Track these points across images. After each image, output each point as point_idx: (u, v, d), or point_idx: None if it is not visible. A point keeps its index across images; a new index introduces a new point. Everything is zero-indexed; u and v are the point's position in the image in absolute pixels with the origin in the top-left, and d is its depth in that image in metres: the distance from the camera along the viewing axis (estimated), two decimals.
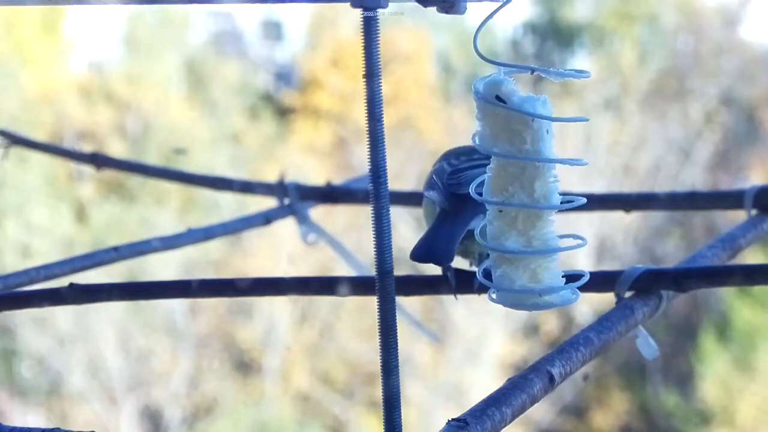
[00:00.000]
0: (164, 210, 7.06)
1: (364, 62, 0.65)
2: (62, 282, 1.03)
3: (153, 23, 8.17)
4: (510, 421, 0.70)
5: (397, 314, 0.68)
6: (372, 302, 0.69)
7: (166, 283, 1.12)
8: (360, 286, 1.01)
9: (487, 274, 0.74)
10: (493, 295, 0.74)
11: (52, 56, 7.86)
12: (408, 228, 6.20)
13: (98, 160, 1.52)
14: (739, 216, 1.10)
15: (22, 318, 6.31)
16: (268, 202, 1.40)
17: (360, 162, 6.43)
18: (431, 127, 7.68)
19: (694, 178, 7.50)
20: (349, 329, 6.85)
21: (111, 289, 1.04)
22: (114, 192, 7.30)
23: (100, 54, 8.57)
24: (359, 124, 6.49)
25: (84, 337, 6.64)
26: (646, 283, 0.90)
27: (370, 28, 0.65)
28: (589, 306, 5.99)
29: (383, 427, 0.67)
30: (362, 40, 0.65)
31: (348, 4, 0.65)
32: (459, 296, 0.97)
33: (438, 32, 8.43)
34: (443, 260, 0.88)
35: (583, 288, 0.74)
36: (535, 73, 0.72)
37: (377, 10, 0.65)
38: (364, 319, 6.57)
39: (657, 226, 7.37)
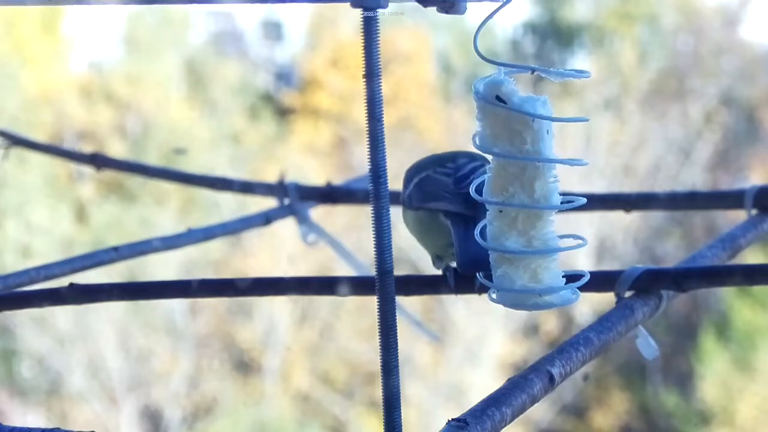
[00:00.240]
0: (164, 210, 7.06)
1: (364, 62, 0.65)
2: (62, 282, 1.03)
3: (153, 23, 8.17)
4: (510, 421, 0.70)
5: (397, 314, 0.68)
6: (372, 302, 0.69)
7: (166, 283, 1.12)
8: (360, 286, 1.01)
9: (488, 274, 0.74)
10: (494, 295, 0.74)
11: (52, 56, 7.86)
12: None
13: (98, 161, 1.52)
14: (739, 216, 1.10)
15: (22, 318, 6.31)
16: (268, 203, 1.40)
17: (360, 162, 6.42)
18: (431, 127, 7.68)
19: (694, 178, 7.50)
20: (349, 329, 6.85)
21: (111, 289, 1.04)
22: (114, 192, 7.30)
23: (100, 54, 8.58)
24: (359, 124, 6.49)
25: (84, 337, 6.64)
26: (646, 283, 0.90)
27: (370, 28, 0.65)
28: (589, 306, 5.99)
29: (383, 427, 0.67)
30: (362, 40, 0.65)
31: (348, 4, 0.65)
32: (459, 296, 0.97)
33: (438, 32, 8.43)
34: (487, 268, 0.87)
35: (583, 288, 0.74)
36: (535, 73, 0.72)
37: (377, 10, 0.65)
38: (364, 319, 6.57)
39: (657, 226, 7.37)
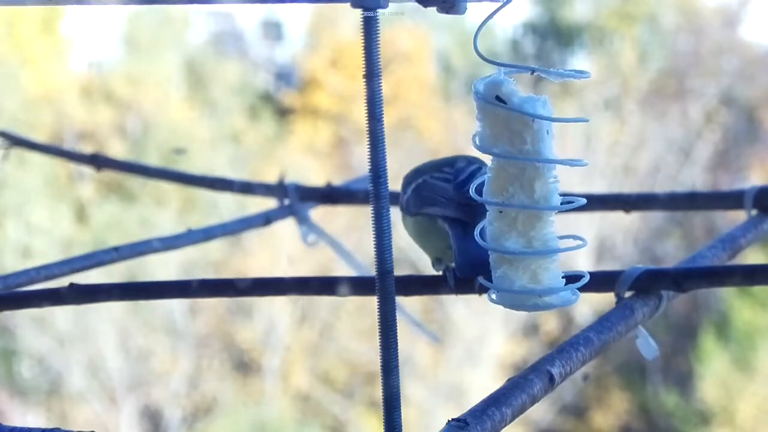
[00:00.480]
0: (164, 210, 7.06)
1: (364, 62, 0.65)
2: (62, 282, 1.03)
3: (153, 23, 8.17)
4: (510, 421, 0.70)
5: (397, 314, 0.68)
6: (372, 302, 0.69)
7: (166, 283, 1.12)
8: (360, 286, 1.01)
9: (487, 275, 0.74)
10: (493, 296, 0.74)
11: (52, 56, 7.86)
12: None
13: (98, 161, 1.52)
14: (739, 216, 1.10)
15: (22, 318, 6.32)
16: (268, 203, 1.40)
17: (360, 162, 6.43)
18: (431, 127, 7.68)
19: (694, 178, 7.50)
20: (349, 329, 6.85)
21: (111, 290, 1.04)
22: (114, 192, 7.30)
23: (100, 54, 8.58)
24: (359, 124, 6.50)
25: (84, 337, 6.64)
26: (646, 283, 0.90)
27: (370, 28, 0.65)
28: (589, 306, 5.99)
29: (383, 427, 0.67)
30: (362, 40, 0.65)
31: (348, 4, 0.65)
32: (459, 296, 0.97)
33: (438, 32, 8.43)
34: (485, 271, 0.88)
35: (584, 288, 0.74)
36: (535, 74, 0.72)
37: (377, 10, 0.65)
38: (364, 319, 6.57)
39: (657, 226, 7.37)
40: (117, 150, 7.09)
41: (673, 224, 7.42)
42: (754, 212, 1.08)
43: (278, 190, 1.37)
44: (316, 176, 5.91)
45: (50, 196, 7.14)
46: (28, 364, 6.85)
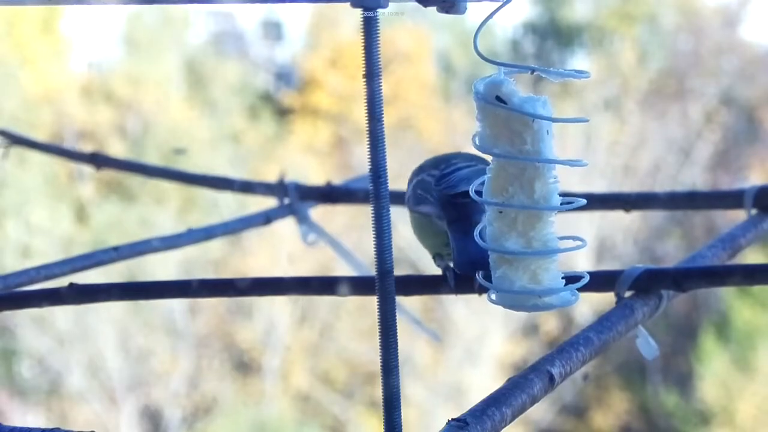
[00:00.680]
0: (164, 210, 7.06)
1: (364, 62, 0.65)
2: (62, 282, 1.03)
3: (153, 23, 8.17)
4: (510, 421, 0.70)
5: (397, 314, 0.68)
6: (372, 302, 0.69)
7: (166, 283, 1.12)
8: (360, 286, 1.01)
9: (487, 275, 0.74)
10: (493, 296, 0.74)
11: (52, 56, 7.86)
12: (408, 228, 6.19)
13: (98, 160, 1.52)
14: (739, 216, 1.10)
15: (22, 318, 6.31)
16: (268, 202, 1.40)
17: (360, 162, 6.42)
18: (431, 127, 7.68)
19: (694, 178, 7.50)
20: (349, 329, 6.85)
21: (111, 289, 1.04)
22: (114, 192, 7.30)
23: (99, 54, 8.58)
24: (359, 124, 6.49)
25: (84, 337, 6.64)
26: (646, 283, 0.90)
27: (370, 28, 0.65)
28: (589, 306, 5.99)
29: (383, 427, 0.67)
30: (362, 40, 0.65)
31: (348, 4, 0.65)
32: (459, 296, 0.97)
33: (438, 32, 8.43)
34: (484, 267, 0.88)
35: (583, 288, 0.74)
36: (535, 74, 0.71)
37: (377, 10, 0.64)
38: (364, 319, 6.57)
39: (657, 226, 7.37)
40: (117, 150, 7.09)
41: (673, 224, 7.42)
42: (754, 212, 1.08)
43: (278, 189, 1.37)
44: (315, 176, 5.91)
45: (50, 196, 7.14)
46: (28, 364, 6.85)
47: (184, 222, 6.14)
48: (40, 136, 6.33)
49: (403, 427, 0.67)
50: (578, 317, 6.43)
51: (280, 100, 8.31)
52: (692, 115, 7.75)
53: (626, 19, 8.15)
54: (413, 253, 6.13)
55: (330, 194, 1.37)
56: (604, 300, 0.90)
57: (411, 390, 6.39)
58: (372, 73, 0.65)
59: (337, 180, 1.46)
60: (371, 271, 0.94)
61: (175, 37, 8.18)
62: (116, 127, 7.68)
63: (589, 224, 6.63)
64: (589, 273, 0.74)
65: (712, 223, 6.80)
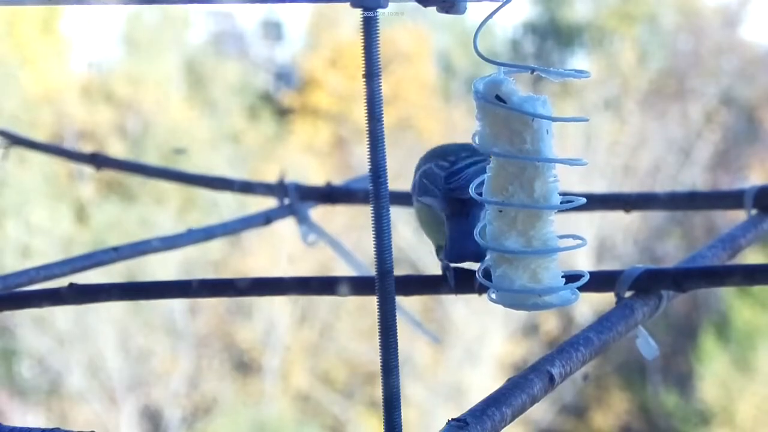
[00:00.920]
0: (164, 210, 7.06)
1: (364, 62, 0.65)
2: (62, 282, 1.03)
3: (153, 23, 8.17)
4: (510, 421, 0.70)
5: (397, 314, 0.68)
6: (372, 302, 0.69)
7: (166, 283, 1.12)
8: (360, 286, 1.01)
9: (487, 274, 0.74)
10: (493, 295, 0.74)
11: (52, 56, 7.86)
12: (408, 228, 6.20)
13: (98, 160, 1.52)
14: (739, 216, 1.10)
15: (22, 318, 6.31)
16: (268, 202, 1.40)
17: (360, 162, 6.42)
18: (431, 127, 7.68)
19: (694, 178, 7.50)
20: (349, 329, 6.85)
21: (111, 290, 1.04)
22: (114, 192, 7.30)
23: (99, 54, 8.58)
24: (359, 124, 6.49)
25: (84, 337, 6.64)
26: (646, 283, 0.89)
27: (370, 28, 0.65)
28: (589, 306, 5.99)
29: (383, 427, 0.67)
30: (362, 40, 0.65)
31: (348, 4, 0.65)
32: (459, 296, 0.97)
33: (438, 32, 8.43)
34: (479, 258, 0.89)
35: (583, 288, 0.74)
36: (535, 73, 0.71)
37: (377, 10, 0.64)
38: (364, 319, 6.57)
39: (657, 226, 7.37)
40: (117, 150, 7.09)
41: (673, 224, 7.42)
42: (754, 212, 1.08)
43: (278, 189, 1.37)
44: (315, 176, 5.91)
45: (50, 196, 7.14)
46: (28, 364, 6.85)
47: (184, 222, 6.15)
48: (40, 135, 6.33)
49: (403, 427, 0.67)
50: (578, 317, 6.44)
51: (280, 100, 8.31)
52: (692, 115, 7.75)
53: (626, 19, 8.15)
54: (413, 253, 6.13)
55: (330, 194, 1.37)
56: (604, 300, 0.90)
57: (411, 390, 6.39)
58: (372, 73, 0.65)
59: (337, 180, 1.46)
60: (371, 271, 0.94)
61: (175, 37, 8.18)
62: (116, 127, 7.68)
63: (589, 224, 6.63)
64: (589, 273, 0.74)
65: (712, 223, 6.80)
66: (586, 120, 0.80)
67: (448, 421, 0.67)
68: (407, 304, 1.18)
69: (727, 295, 6.65)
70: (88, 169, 1.88)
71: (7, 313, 1.59)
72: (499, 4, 0.69)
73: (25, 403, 6.68)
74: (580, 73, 0.71)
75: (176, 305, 6.65)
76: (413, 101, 7.73)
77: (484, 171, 0.90)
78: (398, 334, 0.67)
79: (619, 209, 1.22)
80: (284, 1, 0.76)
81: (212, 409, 6.76)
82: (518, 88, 0.71)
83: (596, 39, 8.28)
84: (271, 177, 1.47)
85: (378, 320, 0.67)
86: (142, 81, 7.82)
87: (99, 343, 6.61)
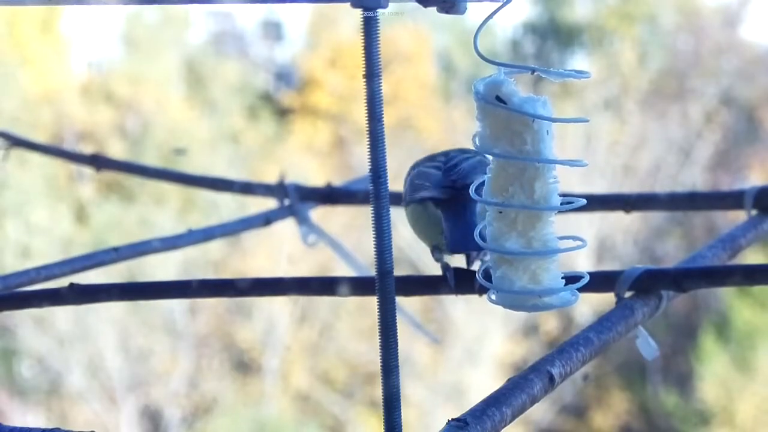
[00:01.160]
0: (164, 210, 7.06)
1: (364, 62, 0.65)
2: (62, 282, 1.03)
3: (153, 23, 8.17)
4: (510, 421, 0.70)
5: (397, 314, 0.68)
6: (372, 302, 0.69)
7: (166, 284, 1.12)
8: (360, 286, 1.01)
9: (487, 275, 0.74)
10: (493, 296, 0.74)
11: (52, 56, 7.86)
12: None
13: (98, 162, 1.52)
14: (739, 216, 1.10)
15: (22, 318, 6.32)
16: (268, 203, 1.39)
17: (360, 162, 6.43)
18: (431, 127, 7.68)
19: (694, 178, 7.50)
20: (349, 329, 6.85)
21: (111, 290, 1.04)
22: (114, 192, 7.30)
23: (99, 54, 8.59)
24: (359, 124, 6.50)
25: (84, 337, 6.64)
26: (646, 283, 0.89)
27: (370, 28, 0.65)
28: (589, 306, 5.99)
29: (383, 427, 0.67)
30: (362, 40, 0.65)
31: (348, 4, 0.65)
32: (459, 296, 0.97)
33: (438, 32, 8.43)
34: (477, 248, 0.89)
35: (583, 288, 0.74)
36: (535, 74, 0.71)
37: (377, 10, 0.64)
38: (364, 319, 6.57)
39: (657, 226, 7.37)
40: (117, 150, 7.09)
41: (673, 224, 7.42)
42: (754, 212, 1.08)
43: (278, 190, 1.37)
44: (315, 176, 5.92)
45: (50, 196, 7.14)
46: (28, 364, 6.85)
47: (184, 223, 6.15)
48: (40, 136, 6.34)
49: (403, 427, 0.67)
50: (578, 317, 6.44)
51: (279, 100, 8.31)
52: (692, 115, 7.75)
53: (626, 19, 8.15)
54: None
55: (330, 195, 1.37)
56: (604, 300, 0.90)
57: (411, 390, 6.39)
58: (372, 73, 0.65)
59: (337, 180, 1.46)
60: (371, 271, 0.94)
61: (175, 37, 8.18)
62: (116, 127, 7.68)
63: (589, 224, 6.63)
64: (589, 273, 0.74)
65: (712, 223, 6.81)
66: (587, 121, 0.80)
67: (448, 421, 0.67)
68: (407, 304, 1.18)
69: (727, 295, 6.65)
70: (88, 170, 1.88)
71: (7, 313, 1.59)
72: (499, 4, 0.69)
73: (25, 403, 6.68)
74: (580, 74, 0.71)
75: (176, 305, 6.65)
76: (413, 101, 7.73)
77: (479, 164, 0.91)
78: (398, 334, 0.67)
79: (619, 209, 1.22)
80: (284, 1, 0.76)
81: (212, 409, 6.76)
82: (518, 88, 0.71)
83: (596, 39, 8.28)
84: (271, 177, 1.47)
85: (378, 320, 0.67)
86: (142, 81, 7.82)
87: (99, 343, 6.61)
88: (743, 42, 8.25)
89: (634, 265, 0.91)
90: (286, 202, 1.37)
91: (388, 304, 0.67)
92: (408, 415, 6.06)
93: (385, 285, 0.67)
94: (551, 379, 0.75)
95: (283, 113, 8.10)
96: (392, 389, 0.67)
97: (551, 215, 0.72)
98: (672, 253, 7.05)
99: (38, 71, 7.71)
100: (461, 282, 0.95)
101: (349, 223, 5.71)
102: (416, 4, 0.68)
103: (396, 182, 0.87)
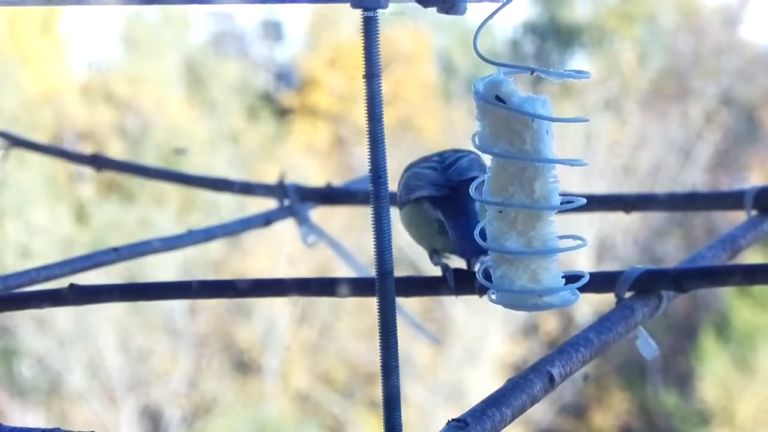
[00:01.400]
0: (164, 210, 7.06)
1: (364, 62, 0.65)
2: (62, 283, 1.03)
3: (152, 23, 8.17)
4: (510, 422, 0.70)
5: (397, 315, 0.68)
6: (372, 302, 0.69)
7: (166, 284, 1.12)
8: (360, 286, 1.01)
9: (487, 275, 0.74)
10: (493, 296, 0.74)
11: (52, 56, 7.86)
12: None
13: (98, 162, 1.52)
14: (739, 216, 1.10)
15: (22, 318, 6.31)
16: (268, 203, 1.39)
17: (360, 162, 6.43)
18: (431, 127, 7.68)
19: (694, 178, 7.50)
20: (349, 329, 6.85)
21: (111, 290, 1.04)
22: (114, 192, 7.30)
23: (99, 54, 8.58)
24: (359, 124, 6.49)
25: (84, 337, 6.64)
26: (646, 284, 0.90)
27: (370, 28, 0.65)
28: (589, 306, 5.99)
29: (383, 427, 0.67)
30: (362, 40, 0.65)
31: (348, 4, 0.65)
32: (459, 297, 0.97)
33: (438, 32, 8.43)
34: (480, 253, 0.88)
35: (583, 288, 0.74)
36: (535, 74, 0.71)
37: (377, 10, 0.65)
38: (364, 319, 6.57)
39: (657, 226, 7.37)
40: (117, 150, 7.09)
41: (673, 224, 7.41)
42: (754, 212, 1.08)
43: (278, 190, 1.37)
44: (315, 176, 5.92)
45: (50, 196, 7.14)
46: (28, 364, 6.85)
47: (184, 223, 6.15)
48: (40, 136, 6.34)
49: (403, 427, 0.67)
50: (578, 317, 6.44)
51: (279, 100, 8.31)
52: (692, 115, 7.75)
53: (626, 19, 8.15)
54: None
55: (330, 195, 1.37)
56: (605, 300, 0.90)
57: (411, 390, 6.39)
58: (372, 73, 0.65)
59: (337, 180, 1.46)
60: (371, 271, 0.94)
61: (175, 37, 8.18)
62: (116, 127, 7.68)
63: (589, 224, 6.63)
64: (590, 273, 0.75)
65: (712, 223, 6.80)
66: (586, 120, 0.80)
67: (448, 421, 0.67)
68: (407, 304, 1.18)
69: (727, 295, 6.65)
70: (88, 170, 1.88)
71: (8, 314, 1.59)
72: (499, 4, 0.69)
73: (25, 403, 6.68)
74: (580, 74, 0.71)
75: (176, 305, 6.65)
76: (413, 101, 7.73)
77: (475, 162, 0.92)
78: (398, 335, 0.67)
79: (619, 210, 1.22)
80: (284, 1, 0.76)
81: (212, 409, 6.76)
82: (518, 88, 0.71)
83: (596, 39, 8.28)
84: (270, 177, 1.47)
85: (378, 320, 0.67)
86: (141, 81, 7.82)
87: (99, 343, 6.61)
88: (743, 42, 8.24)
89: (634, 266, 0.91)
90: (286, 202, 1.37)
91: (388, 304, 0.67)
92: (408, 415, 6.06)
93: (385, 285, 0.67)
94: (551, 379, 0.75)
95: (283, 113, 8.10)
96: (392, 389, 0.67)
97: (551, 215, 0.72)
98: (672, 254, 7.05)
99: (38, 71, 7.71)
100: (461, 283, 0.95)
101: (349, 224, 5.71)
102: (416, 4, 0.68)
103: (396, 182, 0.87)
